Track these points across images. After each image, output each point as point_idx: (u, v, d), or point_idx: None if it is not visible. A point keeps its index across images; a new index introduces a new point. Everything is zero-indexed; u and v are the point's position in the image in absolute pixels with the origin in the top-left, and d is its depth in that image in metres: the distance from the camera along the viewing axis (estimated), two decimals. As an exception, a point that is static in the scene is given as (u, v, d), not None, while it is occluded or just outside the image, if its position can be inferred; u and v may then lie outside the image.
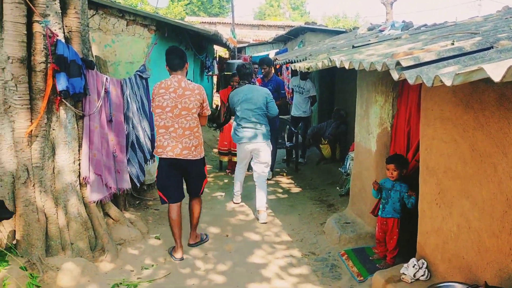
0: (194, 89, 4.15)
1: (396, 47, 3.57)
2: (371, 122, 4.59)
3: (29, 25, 3.69)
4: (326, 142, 7.93)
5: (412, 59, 2.57)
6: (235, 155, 7.58)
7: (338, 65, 3.54)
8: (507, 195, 2.56)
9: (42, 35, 3.72)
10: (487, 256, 2.80)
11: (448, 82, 2.10)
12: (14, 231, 3.71)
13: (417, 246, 3.62)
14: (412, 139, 4.02)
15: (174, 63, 4.17)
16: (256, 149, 5.49)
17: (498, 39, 2.70)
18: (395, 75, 2.58)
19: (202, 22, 26.65)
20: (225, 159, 7.77)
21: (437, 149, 3.21)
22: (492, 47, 2.60)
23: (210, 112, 4.36)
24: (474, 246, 2.91)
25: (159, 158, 4.25)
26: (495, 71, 1.74)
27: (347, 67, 3.35)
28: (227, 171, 7.84)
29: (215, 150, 9.43)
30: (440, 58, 2.53)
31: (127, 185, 4.74)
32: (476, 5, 25.09)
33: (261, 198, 5.50)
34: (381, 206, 4.11)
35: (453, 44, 2.86)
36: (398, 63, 2.60)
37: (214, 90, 17.59)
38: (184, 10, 34.38)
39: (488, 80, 2.51)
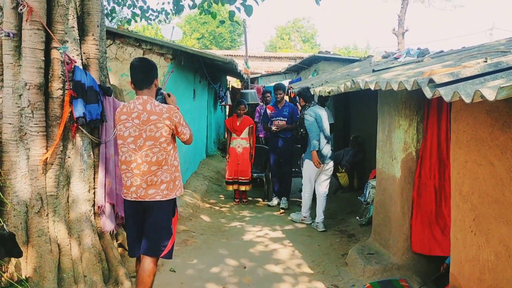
0: (162, 113, 3.20)
1: (422, 68, 3.45)
2: (395, 148, 4.43)
3: (47, 51, 3.65)
4: (343, 170, 7.75)
5: (446, 76, 2.44)
6: (242, 184, 7.47)
7: (362, 87, 3.43)
8: (554, 220, 2.37)
9: (60, 62, 3.68)
10: (531, 287, 2.58)
11: (490, 97, 1.96)
12: (26, 263, 3.56)
13: (450, 276, 3.40)
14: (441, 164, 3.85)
15: (138, 79, 3.27)
16: None
17: (535, 55, 2.57)
18: (428, 93, 2.45)
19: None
20: (230, 188, 7.69)
21: (471, 172, 3.03)
22: (530, 63, 2.47)
23: (187, 136, 3.40)
24: (516, 276, 2.70)
25: (124, 199, 3.41)
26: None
27: (372, 88, 3.23)
28: (236, 200, 7.72)
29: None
30: (477, 74, 2.40)
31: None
32: (488, 35, 25.08)
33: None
34: None
35: (486, 61, 2.74)
36: (431, 81, 2.47)
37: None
38: (197, 44, 34.97)
39: (529, 97, 2.37)
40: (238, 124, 7.53)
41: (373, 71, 4.80)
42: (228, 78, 16.23)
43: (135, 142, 3.21)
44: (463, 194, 3.15)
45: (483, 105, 2.81)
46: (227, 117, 17.67)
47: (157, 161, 3.23)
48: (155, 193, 3.23)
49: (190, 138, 3.45)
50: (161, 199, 3.25)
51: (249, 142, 7.60)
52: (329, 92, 4.39)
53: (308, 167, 6.30)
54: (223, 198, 8.07)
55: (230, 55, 27.63)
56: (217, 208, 7.30)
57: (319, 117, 6.09)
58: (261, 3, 5.70)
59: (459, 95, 2.18)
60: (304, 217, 6.50)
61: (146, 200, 3.23)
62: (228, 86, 15.72)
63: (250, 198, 8.04)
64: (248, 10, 5.82)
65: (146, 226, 3.30)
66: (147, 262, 3.31)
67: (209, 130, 11.44)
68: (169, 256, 3.39)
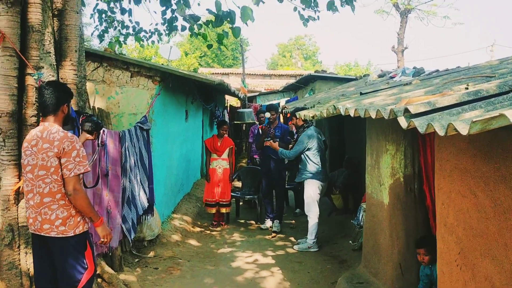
0: (54, 141, 2.95)
1: (405, 93, 3.34)
2: (382, 173, 4.30)
3: (21, 77, 3.56)
4: (337, 192, 7.58)
5: (422, 105, 2.32)
6: (222, 206, 7.29)
7: (343, 113, 3.31)
8: (539, 258, 2.22)
9: (34, 88, 3.58)
10: (518, 327, 2.42)
11: (464, 131, 1.84)
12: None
13: (438, 311, 3.23)
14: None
15: (42, 105, 3.11)
16: None
17: (517, 82, 2.45)
18: (404, 123, 2.33)
19: (215, 73, 27.07)
20: (213, 210, 7.41)
21: (455, 203, 2.89)
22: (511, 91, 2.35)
23: (74, 174, 2.96)
24: (503, 315, 2.53)
25: None
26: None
27: (352, 115, 3.11)
28: (214, 222, 7.46)
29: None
30: (453, 103, 2.28)
31: (115, 243, 4.44)
32: (488, 51, 25.05)
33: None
34: None
35: (467, 88, 2.62)
36: (406, 110, 2.35)
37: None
38: (198, 62, 35.08)
39: (510, 127, 2.25)
40: (219, 144, 7.41)
41: (361, 94, 4.70)
42: (227, 97, 16.21)
43: (32, 171, 2.99)
44: (448, 226, 3.00)
45: (465, 135, 2.68)
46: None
47: (50, 192, 2.96)
48: (50, 228, 2.96)
49: (75, 183, 2.96)
50: (56, 236, 2.97)
51: (229, 163, 7.47)
52: (312, 117, 4.28)
53: (310, 187, 6.27)
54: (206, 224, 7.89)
55: (230, 73, 27.74)
56: (208, 232, 7.13)
57: (318, 138, 6.28)
58: (259, 23, 5.64)
59: (433, 127, 2.05)
60: (311, 245, 6.22)
61: (42, 234, 2.98)
62: (226, 105, 15.66)
63: (242, 221, 7.88)
64: (236, 32, 5.74)
65: (56, 266, 3.04)
66: None
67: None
68: None
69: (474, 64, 5.88)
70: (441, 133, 2.00)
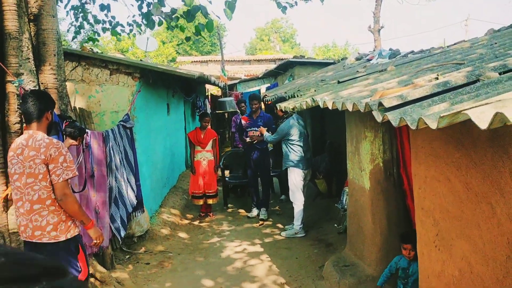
0: (40, 147, 2.96)
1: (381, 83, 3.45)
2: (363, 159, 4.44)
3: (1, 85, 3.58)
4: (321, 177, 7.73)
5: (394, 99, 2.44)
6: (209, 197, 7.42)
7: (321, 105, 3.42)
8: (508, 238, 2.37)
9: (15, 95, 3.61)
10: (494, 302, 2.58)
11: (433, 125, 1.96)
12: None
13: (420, 290, 3.40)
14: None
15: (26, 112, 3.07)
16: None
17: (484, 70, 2.58)
18: (379, 117, 2.44)
19: (194, 61, 26.91)
20: (200, 202, 7.53)
21: (431, 188, 3.04)
22: (478, 80, 2.47)
23: (63, 179, 3.01)
24: (480, 291, 2.70)
25: None
26: (481, 117, 1.59)
27: (330, 108, 3.22)
28: (202, 213, 7.59)
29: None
30: (424, 95, 2.40)
31: (105, 243, 4.52)
32: (463, 26, 25.38)
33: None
34: (401, 286, 3.81)
35: (437, 78, 2.74)
36: (380, 104, 2.47)
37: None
38: (176, 51, 34.76)
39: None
40: (202, 136, 7.47)
41: (338, 82, 4.81)
42: (208, 85, 16.19)
43: (20, 179, 3.00)
44: (425, 209, 3.15)
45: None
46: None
47: (39, 199, 3.00)
48: (41, 235, 3.00)
49: (64, 188, 3.02)
50: (48, 241, 3.01)
51: (213, 154, 7.57)
52: (293, 108, 4.38)
53: (293, 175, 6.42)
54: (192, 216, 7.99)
55: (209, 60, 27.61)
56: (196, 223, 7.23)
57: (299, 127, 6.42)
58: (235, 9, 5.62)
59: (405, 121, 2.17)
60: (298, 231, 6.39)
61: (34, 241, 3.02)
62: (207, 94, 15.65)
63: (230, 211, 8.00)
64: (209, 27, 5.77)
65: None
66: None
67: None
68: None
69: (447, 47, 6.03)
70: (413, 127, 2.11)
